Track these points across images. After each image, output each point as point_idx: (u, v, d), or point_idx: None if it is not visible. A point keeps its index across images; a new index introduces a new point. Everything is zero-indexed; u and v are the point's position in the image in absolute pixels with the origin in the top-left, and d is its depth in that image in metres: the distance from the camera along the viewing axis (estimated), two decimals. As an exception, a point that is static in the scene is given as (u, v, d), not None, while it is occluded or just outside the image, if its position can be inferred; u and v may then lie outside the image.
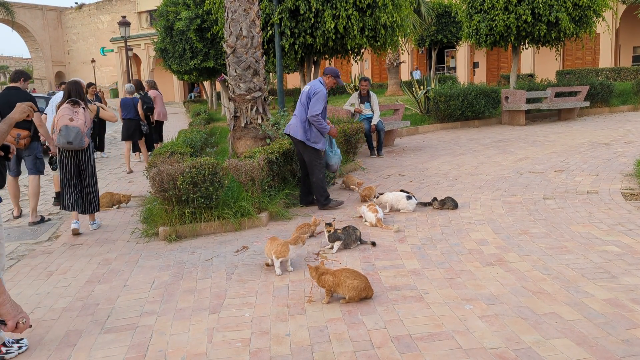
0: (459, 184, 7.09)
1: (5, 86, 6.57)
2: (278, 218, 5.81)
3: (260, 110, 7.80)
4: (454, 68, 31.24)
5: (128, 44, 40.43)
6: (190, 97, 36.63)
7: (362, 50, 11.20)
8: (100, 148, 12.54)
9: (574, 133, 11.17)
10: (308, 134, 5.89)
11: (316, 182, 6.01)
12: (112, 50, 41.21)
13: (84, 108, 5.59)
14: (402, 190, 6.19)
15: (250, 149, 7.37)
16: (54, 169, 6.26)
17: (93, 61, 47.95)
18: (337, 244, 4.71)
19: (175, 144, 6.93)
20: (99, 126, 12.06)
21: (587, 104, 13.41)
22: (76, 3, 53.11)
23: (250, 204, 5.59)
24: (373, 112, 9.65)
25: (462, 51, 29.56)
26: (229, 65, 7.74)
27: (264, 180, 5.79)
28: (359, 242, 4.74)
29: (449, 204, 5.77)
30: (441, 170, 8.05)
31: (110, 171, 10.40)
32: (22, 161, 6.74)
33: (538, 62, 27.15)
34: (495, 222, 5.21)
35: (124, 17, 20.27)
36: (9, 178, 6.46)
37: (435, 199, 5.90)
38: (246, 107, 7.71)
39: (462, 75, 28.96)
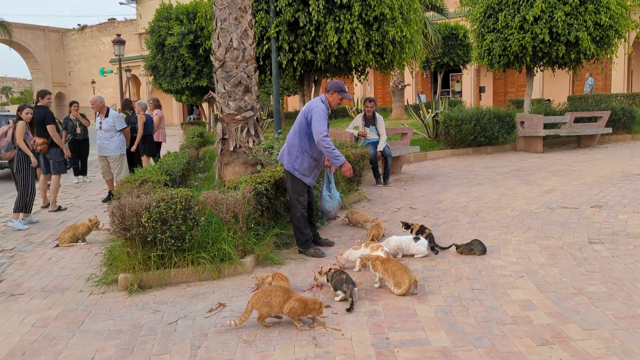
0: (481, 220, 6.06)
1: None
2: (266, 263, 4.76)
3: (252, 132, 6.83)
4: (459, 92, 30.43)
5: (128, 64, 39.96)
6: (190, 119, 35.84)
7: (367, 69, 10.28)
8: (83, 172, 11.54)
9: (599, 162, 10.17)
10: (295, 162, 4.91)
11: (293, 223, 5.05)
12: (112, 72, 40.63)
13: None
14: (421, 226, 5.19)
15: (240, 176, 6.37)
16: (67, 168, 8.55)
17: (93, 82, 47.41)
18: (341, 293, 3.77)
19: (148, 170, 5.92)
20: (79, 149, 11.13)
21: (610, 130, 12.45)
22: (79, 25, 52.97)
23: (231, 246, 4.55)
24: (379, 136, 8.67)
25: (468, 75, 28.82)
26: (217, 81, 6.80)
27: (250, 217, 4.76)
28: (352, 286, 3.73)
29: (476, 248, 4.73)
30: (458, 203, 7.03)
31: (87, 198, 9.37)
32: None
33: (547, 87, 26.35)
34: (538, 274, 4.16)
35: (118, 35, 19.51)
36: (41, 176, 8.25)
37: (456, 245, 4.87)
38: (235, 129, 6.74)
39: (468, 100, 28.12)
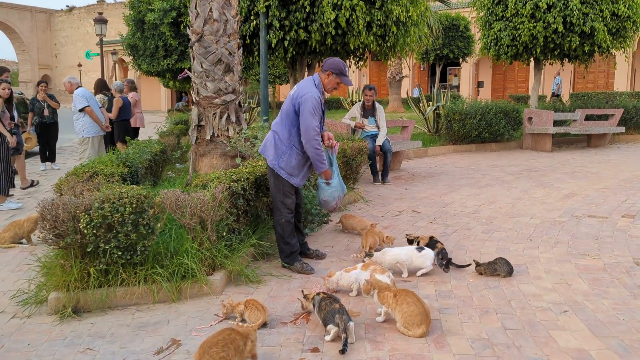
0: (498, 229, 5.17)
1: None
2: (240, 281, 3.82)
3: (233, 119, 5.86)
4: (457, 87, 29.55)
5: (114, 47, 38.59)
6: (178, 106, 34.59)
7: (367, 53, 9.31)
8: (51, 159, 10.50)
9: (616, 164, 9.32)
10: (281, 159, 3.93)
11: (276, 230, 4.07)
12: (98, 54, 39.26)
13: None
14: (431, 238, 4.27)
15: (217, 169, 5.43)
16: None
17: (79, 65, 45.98)
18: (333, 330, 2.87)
19: (103, 160, 4.92)
20: (47, 133, 10.11)
21: (622, 129, 11.59)
22: (67, 6, 51.39)
23: (196, 260, 3.61)
24: (378, 128, 7.73)
25: (467, 69, 27.96)
26: (194, 58, 5.82)
27: (222, 223, 3.81)
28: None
29: (501, 269, 3.82)
30: (467, 207, 6.13)
31: (50, 188, 8.34)
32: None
33: (547, 84, 25.55)
34: (585, 309, 3.26)
35: (100, 13, 18.34)
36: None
37: (476, 262, 3.96)
38: (213, 114, 5.77)
39: (465, 95, 27.29)
